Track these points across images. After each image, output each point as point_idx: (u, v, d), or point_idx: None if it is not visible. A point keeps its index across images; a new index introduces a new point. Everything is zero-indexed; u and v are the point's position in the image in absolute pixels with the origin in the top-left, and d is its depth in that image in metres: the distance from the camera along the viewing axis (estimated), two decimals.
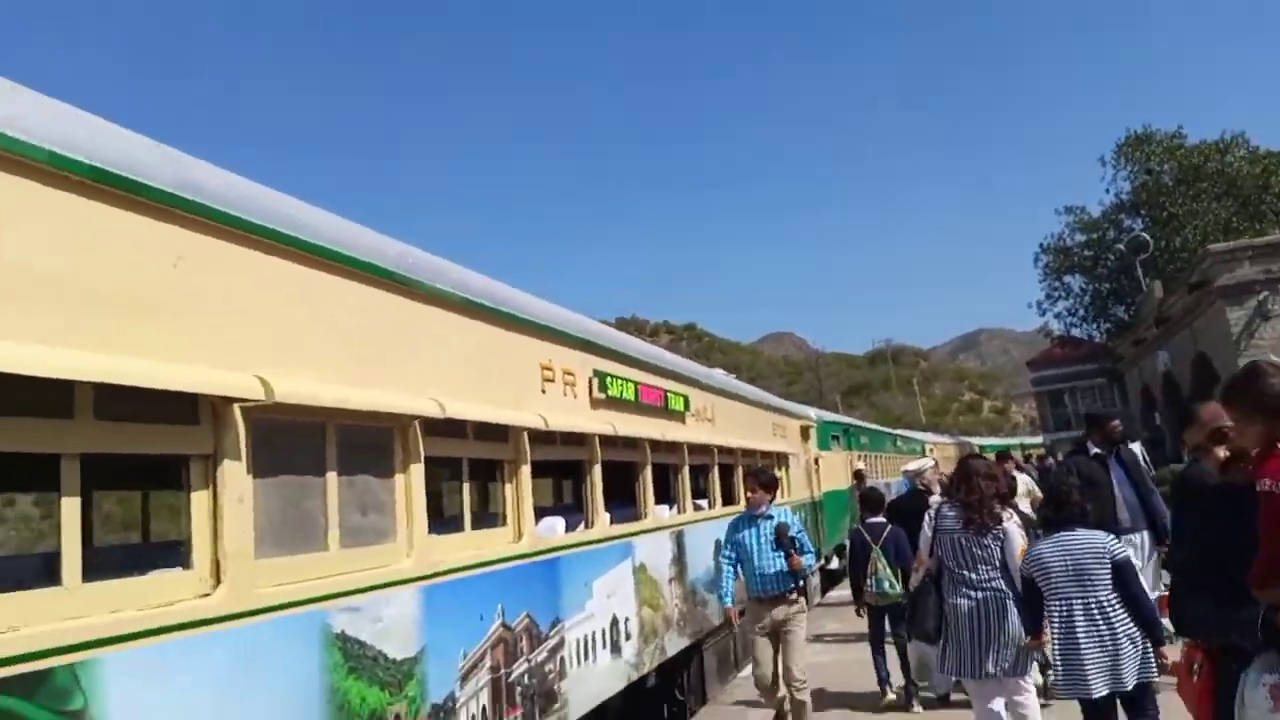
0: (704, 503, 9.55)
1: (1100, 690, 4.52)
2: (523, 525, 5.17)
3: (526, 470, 5.28)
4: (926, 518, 5.95)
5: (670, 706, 8.15)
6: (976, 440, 55.14)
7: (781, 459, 13.42)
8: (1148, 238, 32.88)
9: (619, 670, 6.27)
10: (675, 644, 7.58)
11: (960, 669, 5.41)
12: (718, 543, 9.26)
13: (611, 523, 6.71)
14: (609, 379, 6.56)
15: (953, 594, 5.43)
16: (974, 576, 5.32)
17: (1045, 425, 53.64)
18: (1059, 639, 4.66)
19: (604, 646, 6.02)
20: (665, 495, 8.66)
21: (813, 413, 18.22)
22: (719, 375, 10.32)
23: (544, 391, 5.65)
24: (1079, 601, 4.62)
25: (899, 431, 32.88)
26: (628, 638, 6.46)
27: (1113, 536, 4.87)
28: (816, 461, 17.07)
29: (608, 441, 6.51)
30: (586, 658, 5.71)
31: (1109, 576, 4.62)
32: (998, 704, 5.33)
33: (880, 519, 8.24)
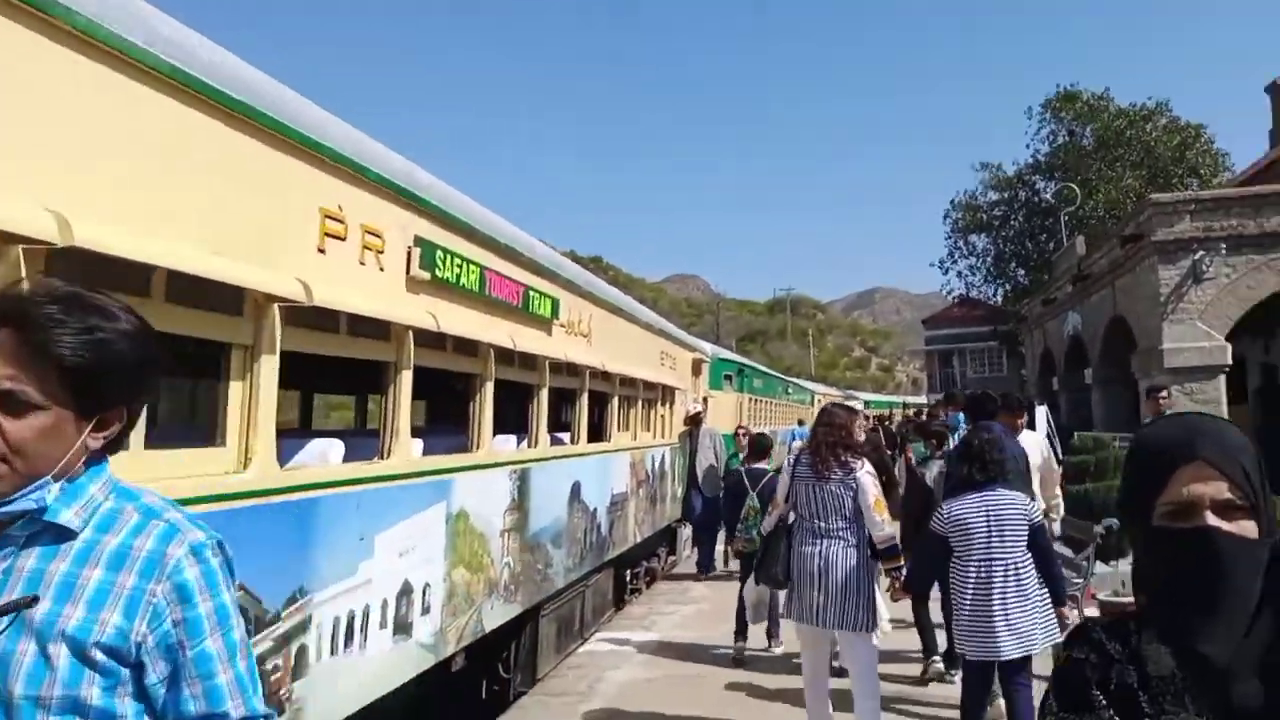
0: (564, 437, 7.85)
1: (1013, 653, 4.59)
2: (252, 446, 3.32)
3: (270, 364, 3.42)
4: (785, 463, 5.87)
5: (492, 686, 6.53)
6: (863, 395, 55.43)
7: (668, 394, 11.84)
8: (1075, 188, 32.39)
9: (405, 656, 4.52)
10: (500, 614, 5.90)
11: (801, 615, 5.24)
12: (576, 485, 7.63)
13: (424, 453, 4.94)
14: (440, 254, 4.70)
15: (800, 541, 5.32)
16: (823, 525, 5.21)
17: (932, 385, 54.20)
18: (972, 600, 4.66)
19: (383, 626, 4.25)
20: (515, 423, 6.92)
21: (708, 348, 16.72)
22: (602, 284, 8.55)
23: (322, 251, 3.77)
24: (999, 562, 4.64)
25: (792, 379, 31.98)
26: (425, 611, 4.71)
27: (1028, 497, 4.98)
28: (705, 401, 15.61)
29: (428, 340, 4.69)
30: (348, 644, 3.94)
31: (1026, 538, 4.70)
32: (824, 653, 5.38)
33: (764, 465, 8.24)
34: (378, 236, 4.19)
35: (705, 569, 11.40)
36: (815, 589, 5.09)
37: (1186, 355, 14.26)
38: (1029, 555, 4.68)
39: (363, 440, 4.97)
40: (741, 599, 7.03)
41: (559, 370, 7.16)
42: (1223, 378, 14.28)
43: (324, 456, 4.17)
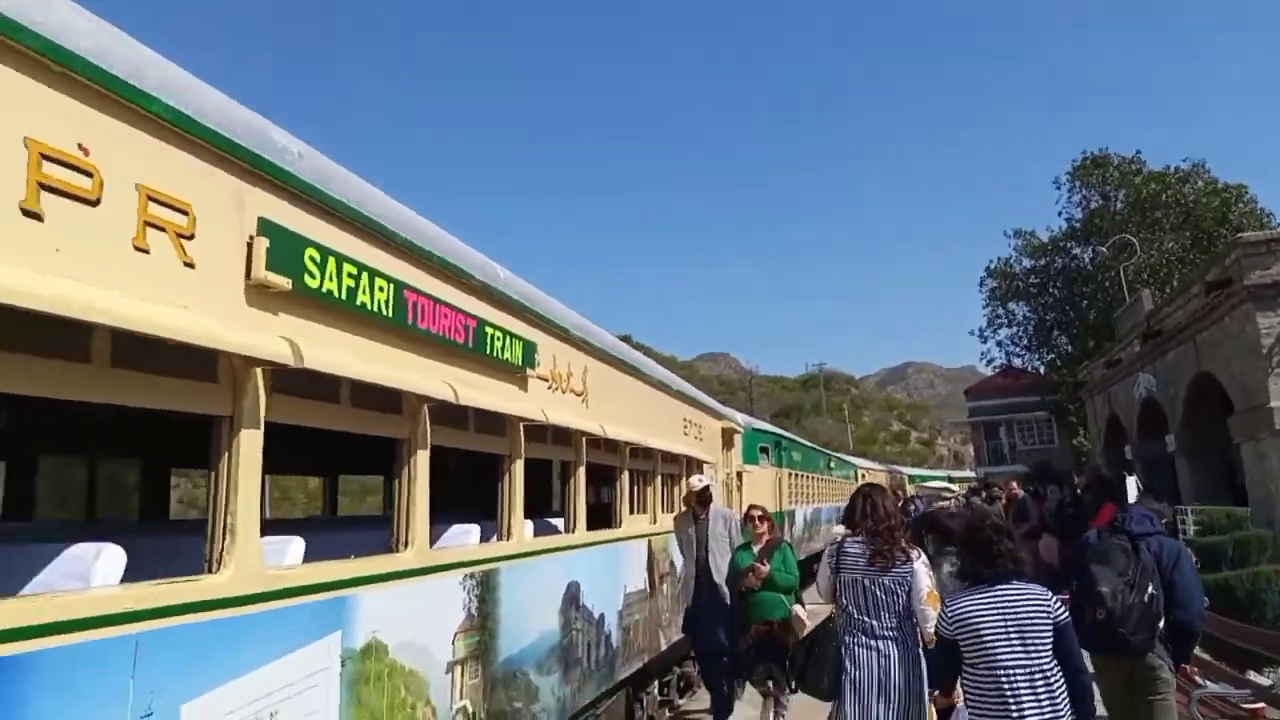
0: (558, 523, 6.13)
1: None
2: None
3: None
4: (826, 554, 5.21)
5: None
6: (906, 470, 53.07)
7: (694, 467, 10.08)
8: (1132, 239, 30.76)
9: None
10: None
11: None
12: (573, 586, 5.88)
13: (301, 559, 3.24)
14: (311, 253, 3.07)
15: (854, 644, 4.76)
16: (875, 624, 4.72)
17: (979, 457, 51.72)
18: (992, 714, 3.97)
19: None
20: (486, 507, 5.22)
21: (740, 417, 14.95)
22: (599, 331, 6.89)
23: (34, 215, 2.15)
24: (1023, 670, 3.94)
25: (834, 453, 30.03)
26: None
27: (1050, 592, 4.13)
28: (739, 476, 13.79)
29: (297, 383, 3.03)
30: None
31: (1051, 640, 3.99)
32: None
33: None
34: (179, 211, 2.56)
35: (722, 715, 7.95)
36: (877, 698, 4.62)
37: None
38: (1055, 662, 4.01)
39: (161, 540, 3.28)
40: None
41: (539, 436, 5.48)
42: None
43: (84, 575, 2.47)
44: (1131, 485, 12.27)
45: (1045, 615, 4.01)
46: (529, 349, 5.06)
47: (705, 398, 11.55)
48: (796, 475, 19.40)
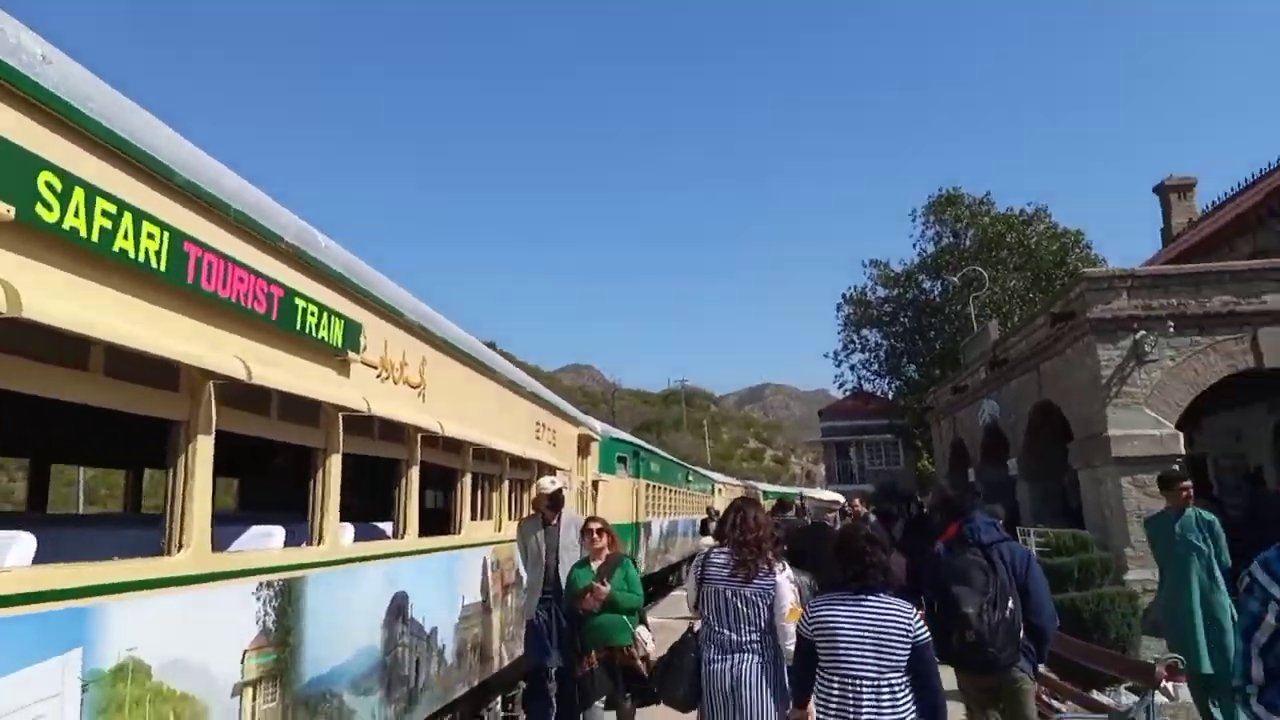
0: (387, 527, 5.56)
1: None
2: None
3: None
4: (693, 565, 5.11)
5: None
6: (761, 485, 54.04)
7: (546, 474, 9.63)
8: (982, 270, 32.18)
9: None
10: None
11: None
12: (400, 598, 5.31)
13: (31, 561, 2.61)
14: (44, 174, 2.46)
15: (710, 656, 4.64)
16: (734, 637, 4.57)
17: (830, 476, 53.23)
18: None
19: None
20: (298, 507, 4.61)
21: (598, 425, 14.57)
22: (442, 320, 6.32)
23: None
24: (869, 681, 3.84)
25: (693, 466, 30.10)
26: None
27: (915, 610, 3.97)
28: (595, 485, 13.39)
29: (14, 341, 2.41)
30: None
31: (907, 657, 3.87)
32: None
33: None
34: None
35: None
36: (732, 711, 4.54)
37: (1136, 444, 12.75)
38: (906, 679, 3.91)
39: None
40: None
41: (364, 430, 4.90)
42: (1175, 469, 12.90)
43: None
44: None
45: (903, 632, 3.92)
46: (352, 329, 4.48)
47: (561, 402, 11.10)
48: (654, 487, 19.18)
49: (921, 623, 3.99)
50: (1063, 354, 14.56)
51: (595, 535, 6.61)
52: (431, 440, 5.84)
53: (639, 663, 6.24)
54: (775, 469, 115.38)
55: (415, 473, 5.62)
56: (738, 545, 4.74)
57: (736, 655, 4.59)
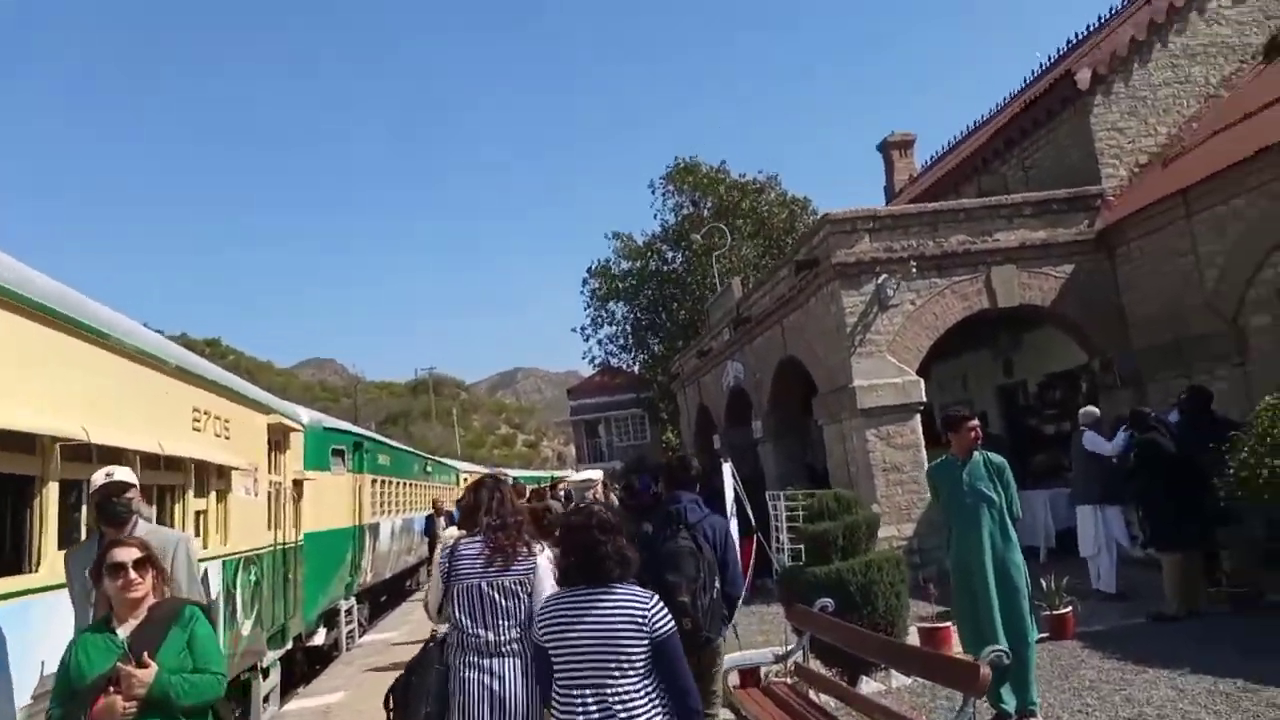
0: None
1: None
2: None
3: None
4: (437, 562, 4.30)
5: None
6: (512, 472, 52.66)
7: (207, 478, 7.51)
8: (724, 229, 32.25)
9: None
10: None
11: None
12: None
13: None
14: None
15: (462, 664, 3.92)
16: (491, 638, 3.89)
17: (581, 456, 52.74)
18: None
19: None
20: None
21: (304, 413, 12.35)
22: (30, 274, 4.23)
23: None
24: (593, 689, 3.19)
25: (431, 456, 28.01)
26: None
27: (652, 599, 3.30)
28: (299, 485, 11.25)
29: None
30: None
31: (645, 657, 3.21)
32: None
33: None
34: None
35: None
36: None
37: (880, 394, 12.34)
38: (646, 683, 3.24)
39: None
40: None
41: None
42: (919, 418, 12.70)
43: None
44: (727, 471, 11.74)
45: (637, 626, 3.24)
46: None
47: (239, 383, 8.92)
48: (384, 482, 17.09)
49: (661, 613, 3.31)
50: (806, 305, 14.13)
51: (128, 572, 3.39)
52: None
53: None
54: (528, 454, 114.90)
55: None
56: (494, 531, 4.11)
57: (495, 659, 3.94)
